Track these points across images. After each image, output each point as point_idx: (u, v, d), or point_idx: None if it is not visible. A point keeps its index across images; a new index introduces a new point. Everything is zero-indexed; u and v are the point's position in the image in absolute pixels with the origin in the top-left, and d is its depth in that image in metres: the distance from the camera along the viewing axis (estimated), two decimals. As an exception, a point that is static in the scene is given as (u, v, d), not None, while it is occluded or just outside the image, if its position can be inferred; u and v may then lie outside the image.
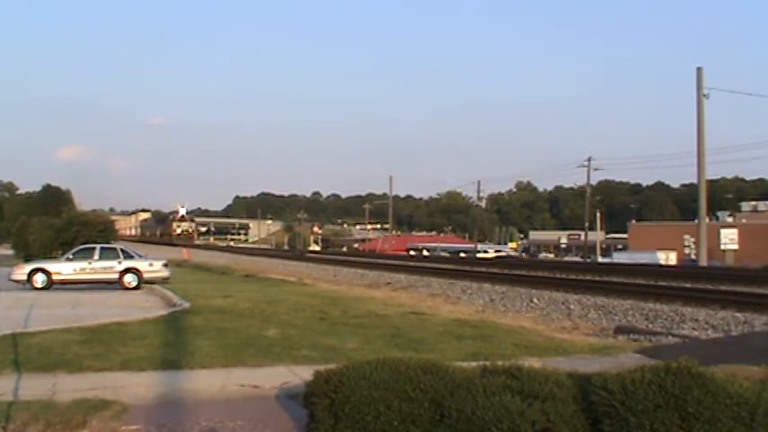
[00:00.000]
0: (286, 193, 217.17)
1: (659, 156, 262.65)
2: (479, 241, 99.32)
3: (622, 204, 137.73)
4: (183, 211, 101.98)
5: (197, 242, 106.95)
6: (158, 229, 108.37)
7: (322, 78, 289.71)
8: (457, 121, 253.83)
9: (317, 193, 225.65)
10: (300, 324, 13.14)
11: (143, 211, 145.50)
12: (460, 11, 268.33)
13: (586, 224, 76.53)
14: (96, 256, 22.81)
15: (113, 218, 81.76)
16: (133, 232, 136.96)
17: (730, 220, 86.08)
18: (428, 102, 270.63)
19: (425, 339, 11.39)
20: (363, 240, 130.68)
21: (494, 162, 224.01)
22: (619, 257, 65.90)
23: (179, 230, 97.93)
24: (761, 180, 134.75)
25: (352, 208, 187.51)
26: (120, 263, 22.72)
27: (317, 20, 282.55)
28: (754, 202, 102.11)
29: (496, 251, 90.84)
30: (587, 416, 5.14)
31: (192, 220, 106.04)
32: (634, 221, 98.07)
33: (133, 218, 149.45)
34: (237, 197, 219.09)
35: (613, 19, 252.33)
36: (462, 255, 78.11)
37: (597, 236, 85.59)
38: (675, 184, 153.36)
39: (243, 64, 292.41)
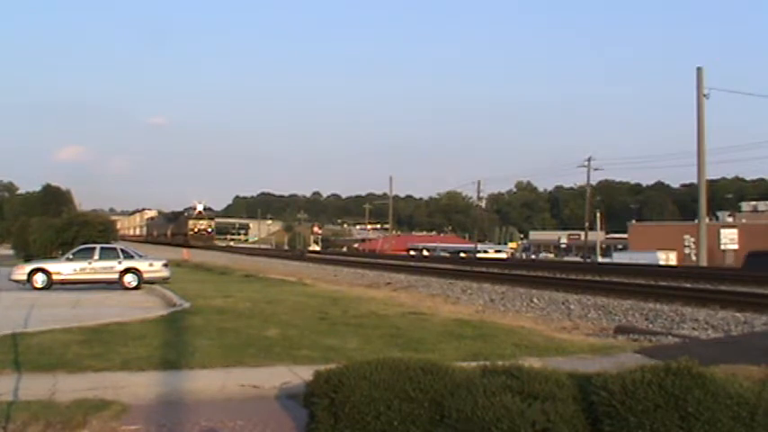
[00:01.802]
0: (286, 193, 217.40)
1: (659, 156, 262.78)
2: (479, 241, 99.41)
3: (622, 204, 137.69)
4: (200, 207, 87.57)
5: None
6: (169, 229, 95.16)
7: (322, 78, 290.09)
8: (457, 121, 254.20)
9: (316, 193, 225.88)
10: (300, 324, 13.14)
11: (145, 210, 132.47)
12: (461, 11, 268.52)
13: (586, 224, 76.57)
14: (96, 256, 22.80)
15: (114, 218, 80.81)
16: (137, 232, 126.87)
17: (730, 220, 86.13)
18: (428, 102, 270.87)
19: (425, 339, 11.38)
20: (363, 240, 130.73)
21: (494, 162, 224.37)
22: (619, 257, 65.90)
23: (196, 229, 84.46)
24: (761, 180, 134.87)
25: (352, 208, 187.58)
26: (120, 263, 22.72)
27: (317, 19, 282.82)
28: (754, 202, 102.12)
29: (496, 251, 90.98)
30: (587, 416, 5.14)
31: (212, 218, 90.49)
32: (634, 221, 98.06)
33: (137, 217, 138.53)
34: (237, 197, 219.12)
35: (613, 19, 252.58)
36: (462, 255, 78.12)
37: (597, 236, 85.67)
38: (675, 184, 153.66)
39: (243, 64, 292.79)
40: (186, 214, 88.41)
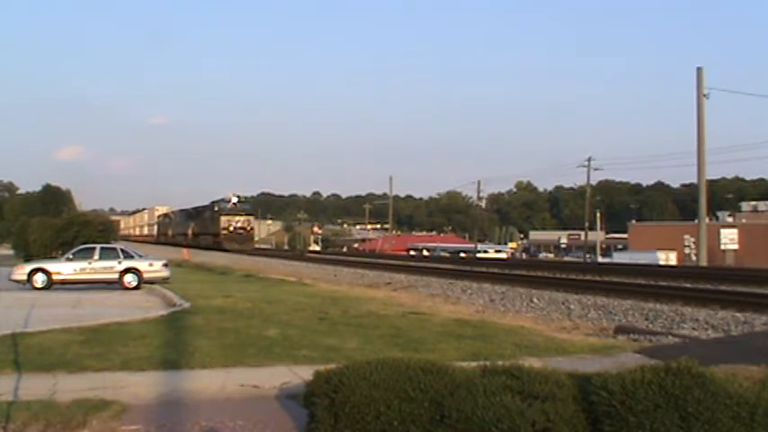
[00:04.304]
0: (286, 193, 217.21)
1: (659, 156, 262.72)
2: (479, 241, 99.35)
3: (622, 204, 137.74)
4: (235, 200, 68.57)
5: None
6: (190, 227, 76.81)
7: (322, 78, 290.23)
8: (457, 121, 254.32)
9: (317, 193, 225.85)
10: (300, 324, 13.14)
11: (155, 206, 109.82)
12: (460, 11, 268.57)
13: (586, 224, 76.58)
14: (96, 256, 22.79)
15: (116, 218, 78.60)
16: (145, 232, 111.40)
17: (730, 220, 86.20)
18: (428, 102, 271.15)
19: (425, 339, 11.39)
20: (363, 240, 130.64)
21: (494, 162, 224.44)
22: (619, 257, 65.91)
23: (231, 228, 65.17)
24: (761, 180, 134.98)
25: (352, 208, 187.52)
26: (120, 263, 22.71)
27: (317, 20, 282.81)
28: (754, 202, 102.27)
29: (496, 251, 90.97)
30: (587, 416, 5.15)
31: (251, 214, 69.89)
32: (634, 221, 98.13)
33: (145, 214, 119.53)
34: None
35: (613, 19, 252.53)
36: (462, 255, 78.11)
37: (597, 236, 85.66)
38: (675, 184, 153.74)
39: (243, 64, 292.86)
40: (217, 208, 67.94)
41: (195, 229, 74.93)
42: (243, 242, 64.53)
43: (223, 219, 65.58)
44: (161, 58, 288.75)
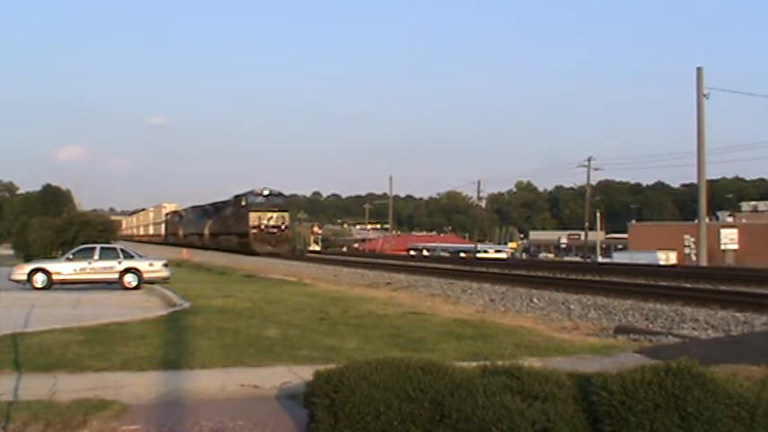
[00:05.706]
0: (286, 193, 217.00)
1: (659, 156, 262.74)
2: (479, 241, 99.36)
3: (622, 204, 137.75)
4: (267, 193, 56.93)
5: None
6: (207, 226, 67.15)
7: (321, 78, 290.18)
8: (457, 121, 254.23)
9: (317, 193, 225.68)
10: (300, 324, 13.14)
11: (162, 203, 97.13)
12: (460, 10, 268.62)
13: (586, 224, 76.61)
14: (96, 256, 22.78)
15: (116, 218, 77.66)
16: (151, 231, 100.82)
17: (730, 220, 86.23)
18: (428, 102, 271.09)
19: (425, 339, 11.39)
20: (363, 240, 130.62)
21: (494, 162, 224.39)
22: (619, 257, 65.92)
23: (262, 226, 54.44)
24: (761, 180, 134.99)
25: (352, 208, 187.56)
26: (120, 263, 22.70)
27: (317, 19, 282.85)
28: (754, 202, 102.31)
29: (496, 251, 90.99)
30: (587, 416, 5.15)
31: (285, 210, 58.87)
32: (634, 221, 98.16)
33: (151, 212, 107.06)
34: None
35: (614, 19, 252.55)
36: (462, 255, 78.12)
37: (597, 236, 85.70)
38: (675, 184, 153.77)
39: (243, 64, 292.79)
40: (244, 203, 56.64)
41: (214, 228, 65.22)
42: (276, 244, 54.45)
43: (252, 215, 54.78)
44: (161, 58, 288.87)
